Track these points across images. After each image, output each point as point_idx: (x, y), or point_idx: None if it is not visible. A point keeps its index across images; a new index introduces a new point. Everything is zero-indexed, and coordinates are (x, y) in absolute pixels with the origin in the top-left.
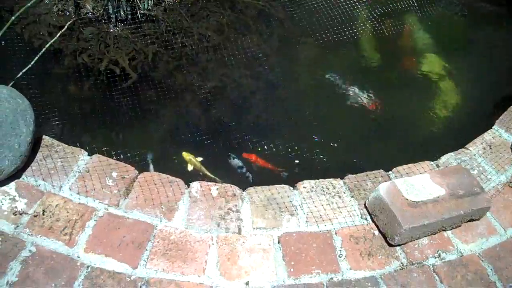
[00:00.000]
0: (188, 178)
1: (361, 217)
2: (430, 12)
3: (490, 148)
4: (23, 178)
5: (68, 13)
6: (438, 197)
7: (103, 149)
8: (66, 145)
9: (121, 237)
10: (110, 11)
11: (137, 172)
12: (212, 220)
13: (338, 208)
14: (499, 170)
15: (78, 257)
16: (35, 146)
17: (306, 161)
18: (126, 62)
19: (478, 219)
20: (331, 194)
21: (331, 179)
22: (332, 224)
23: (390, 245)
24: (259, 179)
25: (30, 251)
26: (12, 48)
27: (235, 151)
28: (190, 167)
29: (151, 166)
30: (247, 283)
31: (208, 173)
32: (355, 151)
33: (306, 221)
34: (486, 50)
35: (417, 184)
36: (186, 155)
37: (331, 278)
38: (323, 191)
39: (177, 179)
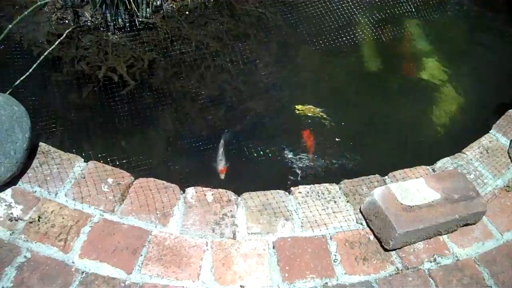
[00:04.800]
0: (184, 184)
1: (357, 222)
2: (428, 17)
3: (487, 153)
4: (19, 185)
5: (67, 21)
6: (433, 201)
7: (99, 155)
8: (63, 152)
9: (116, 242)
10: (109, 19)
11: (133, 178)
12: (207, 226)
13: (334, 213)
14: (495, 175)
15: (73, 262)
16: (31, 153)
17: (302, 166)
18: (124, 70)
19: (474, 224)
20: (326, 199)
21: (326, 184)
22: (327, 229)
23: (385, 249)
24: (254, 184)
25: (25, 257)
26: (11, 56)
27: (233, 156)
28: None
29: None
30: (242, 287)
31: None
32: (351, 156)
33: (301, 226)
34: (485, 55)
35: (412, 189)
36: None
37: (326, 283)
38: (319, 196)
39: (173, 185)
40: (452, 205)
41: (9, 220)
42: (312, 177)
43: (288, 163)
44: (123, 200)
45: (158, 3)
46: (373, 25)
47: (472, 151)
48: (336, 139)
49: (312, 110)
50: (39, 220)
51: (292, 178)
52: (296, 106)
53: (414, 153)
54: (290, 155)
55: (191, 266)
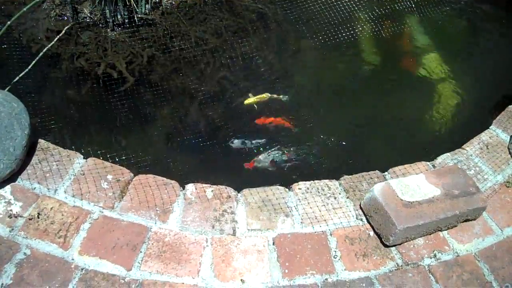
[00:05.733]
0: (184, 180)
1: (357, 218)
2: (428, 13)
3: (487, 148)
4: (19, 182)
5: (66, 17)
6: (433, 197)
7: (99, 152)
8: (62, 149)
9: (115, 239)
10: (108, 15)
11: (132, 175)
12: (206, 222)
13: (334, 209)
14: (496, 170)
15: (73, 259)
16: (31, 149)
17: (302, 162)
18: (123, 66)
19: (474, 219)
20: (326, 195)
21: (326, 180)
22: (327, 225)
23: (385, 245)
24: (254, 180)
25: (24, 253)
26: (10, 52)
27: (232, 154)
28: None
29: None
30: (242, 281)
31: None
32: (351, 152)
33: (301, 222)
34: (485, 50)
35: (412, 185)
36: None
37: (326, 279)
38: (319, 192)
39: (172, 181)
40: (452, 201)
41: (8, 217)
42: (312, 173)
43: (287, 159)
44: (122, 197)
45: None
46: (372, 21)
47: (472, 147)
48: (321, 136)
49: (261, 96)
50: (38, 217)
51: (292, 173)
52: (245, 101)
53: (414, 149)
54: (289, 151)
55: (191, 263)
